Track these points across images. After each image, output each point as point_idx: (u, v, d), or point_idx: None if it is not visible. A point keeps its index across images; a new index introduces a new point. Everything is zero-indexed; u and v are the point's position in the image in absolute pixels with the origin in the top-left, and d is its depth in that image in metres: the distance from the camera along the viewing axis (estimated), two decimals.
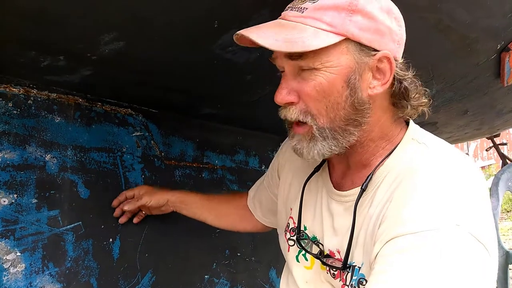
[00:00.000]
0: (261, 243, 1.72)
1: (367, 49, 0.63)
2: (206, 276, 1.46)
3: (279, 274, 1.79)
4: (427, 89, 0.72)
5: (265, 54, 0.91)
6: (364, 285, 0.65)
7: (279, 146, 1.87)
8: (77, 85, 1.06)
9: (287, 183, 0.92)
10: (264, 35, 0.62)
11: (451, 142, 2.22)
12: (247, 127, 1.68)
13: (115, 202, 1.18)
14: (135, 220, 1.21)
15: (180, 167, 1.41)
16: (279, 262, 1.79)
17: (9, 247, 0.97)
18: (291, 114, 0.67)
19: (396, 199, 0.61)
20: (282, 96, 0.66)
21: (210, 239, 1.50)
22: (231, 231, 1.58)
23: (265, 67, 1.02)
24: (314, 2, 0.62)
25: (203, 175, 1.50)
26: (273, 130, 1.77)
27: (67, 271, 1.07)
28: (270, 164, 1.06)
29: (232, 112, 1.44)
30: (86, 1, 0.68)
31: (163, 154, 1.36)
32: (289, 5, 0.67)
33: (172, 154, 1.39)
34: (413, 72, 0.69)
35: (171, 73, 1.02)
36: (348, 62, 0.63)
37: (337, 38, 0.61)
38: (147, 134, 1.31)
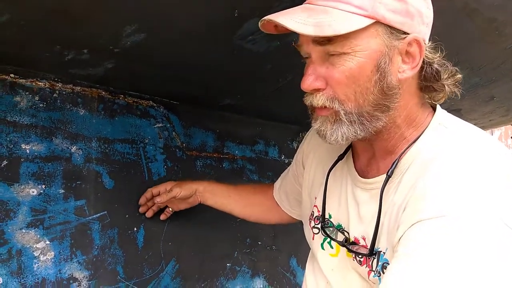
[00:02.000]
0: (282, 232, 1.73)
1: (397, 32, 0.62)
2: (228, 264, 1.48)
3: (300, 262, 1.80)
4: (457, 68, 0.70)
5: (285, 42, 0.91)
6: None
7: (299, 136, 1.88)
8: (100, 78, 1.08)
9: (311, 172, 0.92)
10: (293, 19, 0.61)
11: None
12: (266, 117, 1.68)
13: (141, 200, 1.19)
14: (162, 217, 1.23)
15: (201, 157, 1.43)
16: (300, 251, 1.80)
17: (38, 236, 1.01)
18: (318, 100, 0.65)
19: (422, 183, 0.60)
20: (309, 82, 0.65)
21: (231, 228, 1.52)
22: None
23: (285, 55, 1.01)
24: None
25: (223, 165, 1.51)
26: (292, 120, 1.76)
27: (94, 259, 1.10)
28: (295, 155, 1.06)
29: (252, 103, 1.44)
30: None
31: (184, 145, 1.37)
32: None
33: (193, 145, 1.41)
34: (442, 54, 0.67)
35: (191, 64, 1.03)
36: (378, 46, 0.62)
37: (368, 21, 0.60)
38: (168, 125, 1.33)
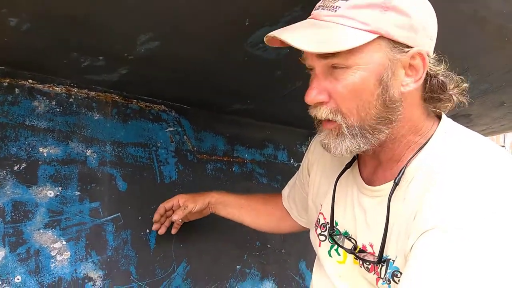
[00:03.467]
0: (291, 235, 1.74)
1: (400, 46, 0.63)
2: (237, 267, 1.50)
3: (309, 266, 1.81)
4: (462, 77, 0.71)
5: (294, 50, 0.93)
6: (398, 277, 0.66)
7: (308, 140, 1.89)
8: (114, 83, 1.11)
9: (317, 180, 0.93)
10: (297, 36, 0.62)
11: (486, 134, 2.15)
12: (275, 121, 1.70)
13: (156, 217, 1.17)
14: (173, 231, 1.21)
15: (211, 161, 1.45)
16: (309, 254, 1.81)
17: (55, 236, 1.04)
18: (321, 113, 0.67)
19: (432, 192, 0.61)
20: (312, 95, 0.66)
21: (241, 231, 1.54)
22: None
23: (295, 62, 1.03)
24: (347, 1, 0.62)
25: (233, 168, 1.53)
26: (301, 124, 1.77)
27: (108, 259, 1.13)
28: (301, 163, 1.07)
29: (261, 107, 1.46)
30: (125, 5, 0.71)
31: (195, 148, 1.40)
32: (319, 4, 0.66)
33: (203, 149, 1.43)
34: (446, 66, 0.68)
35: (203, 71, 1.05)
36: (381, 60, 0.63)
37: (371, 36, 0.61)
38: (180, 129, 1.36)
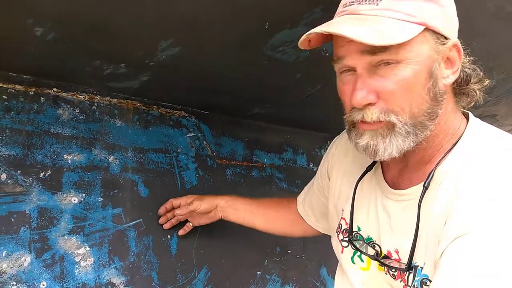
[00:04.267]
0: (311, 241, 1.72)
1: (441, 37, 0.61)
2: (258, 273, 1.49)
3: (330, 272, 1.78)
4: (486, 72, 0.69)
5: (315, 52, 0.92)
6: (427, 285, 0.63)
7: (327, 143, 1.87)
8: (135, 90, 1.13)
9: (338, 184, 0.90)
10: (349, 29, 0.58)
11: None
12: (294, 125, 1.69)
13: (161, 210, 1.17)
14: (180, 232, 1.21)
15: (231, 166, 1.45)
16: (330, 260, 1.78)
17: (79, 242, 1.05)
18: (372, 115, 0.62)
19: (464, 197, 0.58)
20: (361, 96, 0.61)
21: (261, 236, 1.52)
22: None
23: (315, 64, 1.03)
24: None
25: (252, 173, 1.53)
26: (320, 127, 1.76)
27: (131, 265, 1.14)
28: (319, 167, 1.04)
29: (280, 111, 1.46)
30: (146, 13, 0.72)
31: (215, 153, 1.40)
32: (351, 0, 0.62)
33: (223, 154, 1.43)
34: (470, 58, 0.67)
35: (223, 75, 1.06)
36: (429, 52, 0.61)
37: (420, 28, 0.59)
38: (199, 135, 1.36)
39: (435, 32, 0.61)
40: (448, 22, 0.62)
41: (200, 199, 1.14)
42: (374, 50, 0.59)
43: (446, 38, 0.62)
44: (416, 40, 0.59)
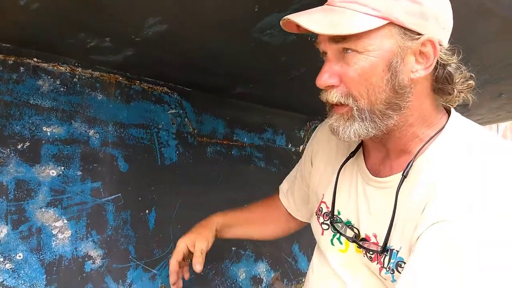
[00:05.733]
0: None
1: (410, 33, 0.63)
2: (233, 248, 1.53)
3: (301, 248, 1.85)
4: (473, 74, 0.71)
5: (301, 36, 0.93)
6: (402, 267, 0.67)
7: (306, 125, 1.90)
8: (118, 64, 1.10)
9: (321, 168, 0.93)
10: (312, 19, 0.63)
11: (481, 124, 2.18)
12: (276, 106, 1.70)
13: (173, 278, 0.97)
14: (198, 270, 0.96)
15: (211, 144, 1.46)
16: (302, 237, 1.85)
17: (57, 215, 1.05)
18: (332, 96, 0.68)
19: (443, 186, 0.62)
20: (323, 79, 0.67)
21: None
22: None
23: (300, 49, 1.03)
24: None
25: (232, 152, 1.55)
26: (301, 109, 1.78)
27: (108, 239, 1.15)
28: (303, 155, 1.06)
29: (264, 92, 1.46)
30: None
31: (196, 131, 1.40)
32: None
33: (204, 132, 1.44)
34: (458, 57, 0.68)
35: (209, 54, 1.05)
36: (391, 46, 0.64)
37: (381, 22, 0.62)
38: (181, 111, 1.36)
39: (403, 28, 0.63)
40: (424, 19, 0.63)
41: (202, 239, 0.99)
42: (336, 38, 0.65)
43: (418, 33, 0.64)
44: (378, 33, 0.63)
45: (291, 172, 1.12)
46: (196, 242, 0.97)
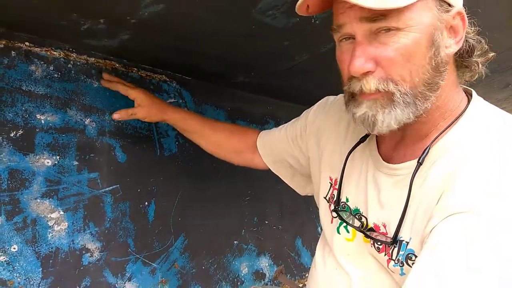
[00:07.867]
0: (288, 212, 1.74)
1: (445, 4, 0.59)
2: (235, 242, 1.50)
3: (304, 243, 1.82)
4: (491, 44, 0.67)
5: (305, 19, 0.89)
6: (413, 260, 0.63)
7: None
8: (114, 50, 1.07)
9: (328, 152, 0.87)
10: None
11: None
12: (278, 97, 1.67)
13: (106, 76, 1.09)
14: (115, 116, 1.06)
15: None
16: (305, 232, 1.82)
17: (53, 206, 1.01)
18: (370, 84, 0.59)
19: (463, 175, 0.57)
20: (359, 64, 0.59)
21: (239, 206, 1.53)
22: (261, 198, 1.60)
23: (304, 33, 1.00)
24: None
25: None
26: (303, 100, 1.74)
27: (106, 231, 1.11)
28: (302, 119, 0.98)
29: (265, 81, 1.43)
30: None
31: None
32: None
33: None
34: (476, 28, 0.65)
35: (208, 38, 1.01)
36: (431, 20, 0.58)
37: None
38: (180, 101, 1.32)
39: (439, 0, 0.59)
40: None
41: (148, 109, 1.05)
42: (374, 16, 0.57)
43: (450, 5, 0.60)
44: (417, 7, 0.57)
45: (275, 129, 1.06)
46: (140, 109, 1.04)
